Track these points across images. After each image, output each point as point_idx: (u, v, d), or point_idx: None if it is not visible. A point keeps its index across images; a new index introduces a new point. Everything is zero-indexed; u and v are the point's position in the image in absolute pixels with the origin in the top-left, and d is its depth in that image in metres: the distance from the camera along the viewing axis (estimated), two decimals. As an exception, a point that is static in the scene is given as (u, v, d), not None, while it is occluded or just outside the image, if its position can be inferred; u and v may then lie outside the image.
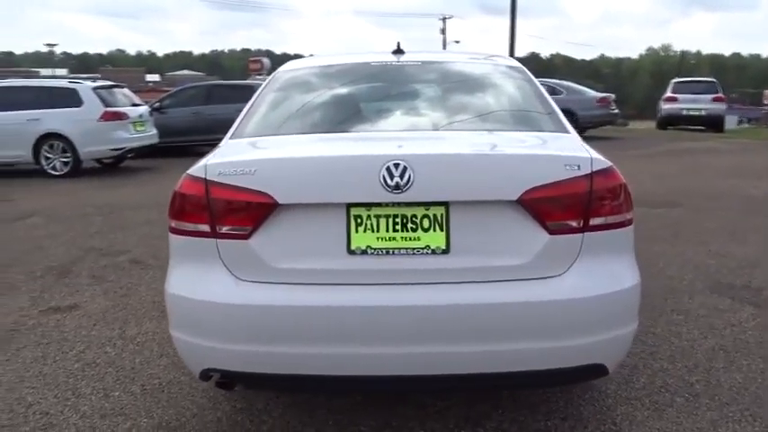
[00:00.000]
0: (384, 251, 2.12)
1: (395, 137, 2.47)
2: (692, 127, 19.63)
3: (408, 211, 2.12)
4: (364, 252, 2.12)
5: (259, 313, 2.11)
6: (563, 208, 2.12)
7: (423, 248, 2.12)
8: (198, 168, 2.23)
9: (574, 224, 2.14)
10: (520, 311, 2.08)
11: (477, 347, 2.08)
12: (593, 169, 2.15)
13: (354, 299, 2.08)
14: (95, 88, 11.11)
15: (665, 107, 19.67)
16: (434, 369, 2.12)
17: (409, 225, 2.13)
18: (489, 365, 2.11)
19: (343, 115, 2.78)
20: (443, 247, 2.12)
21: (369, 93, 2.97)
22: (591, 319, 2.13)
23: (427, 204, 2.12)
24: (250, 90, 14.25)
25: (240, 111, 2.86)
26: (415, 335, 2.07)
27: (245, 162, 2.20)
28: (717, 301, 4.15)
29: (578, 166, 2.14)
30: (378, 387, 2.28)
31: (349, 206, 2.12)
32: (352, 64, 3.22)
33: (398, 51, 3.22)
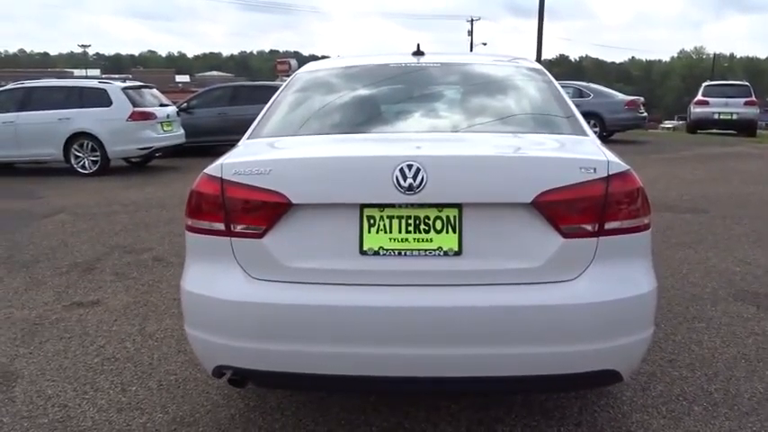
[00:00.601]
0: (396, 252, 2.12)
1: (410, 138, 2.47)
2: (724, 131, 19.27)
3: (421, 213, 2.13)
4: (376, 253, 2.12)
5: (271, 311, 2.13)
6: (578, 211, 2.10)
7: (435, 250, 2.12)
8: (214, 167, 2.26)
9: (588, 228, 2.11)
10: (532, 315, 2.07)
11: (488, 350, 2.07)
12: (610, 172, 2.13)
13: (366, 299, 2.09)
14: (125, 89, 11.31)
15: (696, 110, 19.33)
16: (445, 371, 2.12)
17: (422, 226, 2.13)
18: (500, 369, 2.10)
19: (361, 116, 2.79)
20: (456, 249, 2.11)
21: (387, 94, 2.97)
22: (604, 324, 2.10)
23: (440, 206, 2.12)
24: (275, 91, 14.40)
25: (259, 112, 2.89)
26: (426, 336, 2.07)
27: (261, 162, 2.22)
28: (740, 308, 4.06)
29: (594, 169, 2.12)
30: (388, 388, 2.28)
31: (362, 207, 2.13)
32: (372, 65, 3.23)
33: (418, 53, 3.22)
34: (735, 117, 18.79)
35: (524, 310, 2.06)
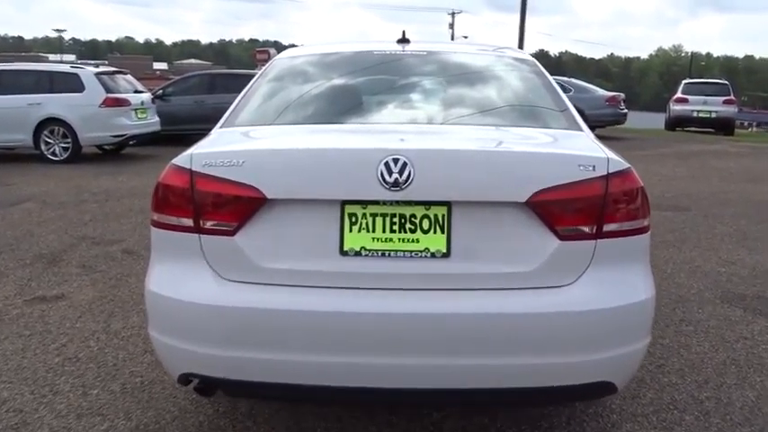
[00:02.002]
0: (380, 253, 1.96)
1: (396, 130, 2.31)
2: (702, 129, 19.40)
3: (407, 211, 1.97)
4: (358, 253, 1.96)
5: (243, 316, 1.96)
6: (575, 212, 1.96)
7: (422, 251, 1.96)
8: (183, 158, 2.07)
9: (586, 230, 1.97)
10: (525, 323, 1.92)
11: (476, 360, 1.92)
12: (610, 171, 1.99)
13: (346, 304, 1.93)
14: (98, 74, 10.96)
15: (675, 108, 19.42)
16: (430, 382, 1.97)
17: (407, 226, 1.97)
18: (490, 380, 1.96)
19: (342, 106, 2.62)
20: (444, 251, 1.96)
21: (370, 83, 2.80)
22: (601, 333, 1.97)
23: (427, 204, 1.96)
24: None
25: None
26: (410, 345, 1.92)
27: (233, 152, 2.04)
28: (728, 311, 3.98)
29: (593, 167, 1.97)
30: (368, 399, 2.13)
31: (343, 203, 1.97)
32: (355, 53, 3.05)
33: (403, 41, 3.06)
34: (713, 115, 18.92)
35: (517, 317, 1.92)
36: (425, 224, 1.97)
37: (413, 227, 1.97)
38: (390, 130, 2.31)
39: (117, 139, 11.01)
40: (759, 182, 9.38)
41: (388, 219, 1.97)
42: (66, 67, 11.54)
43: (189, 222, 2.03)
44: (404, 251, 1.96)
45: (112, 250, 5.20)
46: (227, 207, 1.99)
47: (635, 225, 2.04)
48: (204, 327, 1.98)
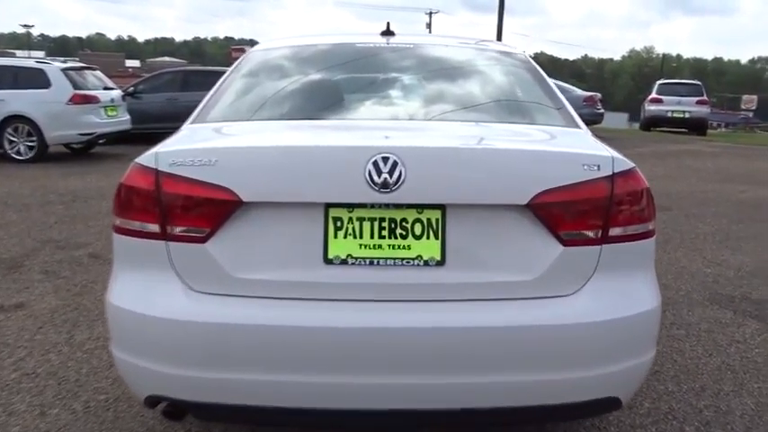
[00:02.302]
0: (368, 261, 1.78)
1: (383, 127, 2.13)
2: (676, 129, 19.56)
3: (398, 215, 1.79)
4: (344, 262, 1.78)
5: (215, 332, 1.76)
6: (579, 215, 1.81)
7: (414, 259, 1.79)
8: (148, 156, 1.87)
9: (591, 234, 1.82)
10: (526, 336, 1.76)
11: (475, 378, 1.76)
12: (615, 170, 1.84)
13: (330, 318, 1.75)
14: (65, 69, 10.58)
15: (650, 108, 19.55)
16: (423, 403, 1.80)
17: (398, 231, 1.79)
18: (489, 399, 1.79)
19: (323, 101, 2.43)
20: (438, 258, 1.79)
21: (352, 77, 2.61)
22: (607, 346, 1.82)
23: (420, 207, 1.79)
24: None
25: None
26: (401, 362, 1.74)
27: (204, 150, 1.85)
28: (717, 313, 3.89)
29: (598, 167, 1.82)
30: (356, 422, 1.95)
31: (327, 207, 1.79)
32: (335, 45, 2.87)
33: (388, 33, 2.88)
34: (687, 116, 19.08)
35: (517, 330, 1.76)
36: (417, 229, 1.80)
37: (404, 232, 1.79)
38: (377, 127, 2.13)
39: (85, 137, 10.64)
40: (735, 181, 9.40)
41: (376, 223, 1.79)
42: (31, 62, 11.14)
43: (155, 228, 1.83)
44: (394, 259, 1.79)
45: (78, 255, 4.94)
46: (198, 211, 1.80)
47: (641, 229, 1.90)
48: (172, 345, 1.79)
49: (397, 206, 1.78)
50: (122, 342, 1.90)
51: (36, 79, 10.22)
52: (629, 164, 1.90)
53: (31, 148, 10.24)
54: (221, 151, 1.85)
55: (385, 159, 1.73)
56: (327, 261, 1.78)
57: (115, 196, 1.92)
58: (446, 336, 1.74)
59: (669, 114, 19.15)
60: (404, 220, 1.80)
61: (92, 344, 3.29)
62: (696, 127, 19.30)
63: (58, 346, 3.26)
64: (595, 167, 1.82)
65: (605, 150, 1.92)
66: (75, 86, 10.34)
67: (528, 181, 1.78)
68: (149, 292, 1.84)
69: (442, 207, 1.79)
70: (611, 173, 1.83)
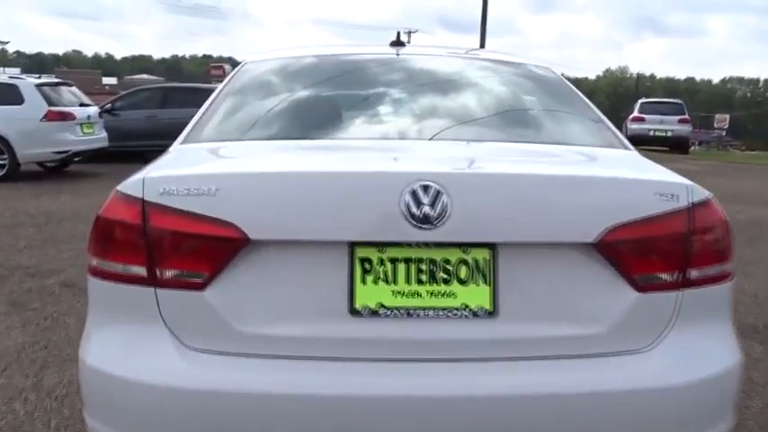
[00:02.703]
0: (403, 312, 1.46)
1: (414, 148, 1.83)
2: (658, 148, 19.59)
3: (439, 255, 1.48)
4: (374, 313, 1.46)
5: (216, 401, 1.42)
6: (656, 254, 1.52)
7: (459, 309, 1.47)
8: (132, 184, 1.54)
9: (668, 277, 1.53)
10: (595, 402, 1.45)
11: None
12: (692, 200, 1.55)
13: (358, 384, 1.42)
14: (39, 85, 10.16)
15: (633, 126, 19.54)
16: None
17: (440, 274, 1.48)
18: None
19: (337, 118, 2.11)
20: (488, 308, 1.48)
21: (368, 91, 2.28)
22: (688, 412, 1.52)
23: (466, 245, 1.48)
24: (210, 94, 13.38)
25: None
26: None
27: (202, 177, 1.52)
28: (746, 346, 3.58)
29: (674, 196, 1.53)
30: None
31: (353, 246, 1.47)
32: (342, 56, 2.56)
33: (398, 43, 2.59)
34: (669, 134, 19.11)
35: (586, 397, 1.45)
36: (463, 272, 1.48)
37: (447, 276, 1.48)
38: (409, 149, 1.82)
39: (60, 155, 10.20)
40: (728, 201, 9.25)
41: (413, 266, 1.48)
42: (3, 78, 10.69)
43: (141, 271, 1.50)
44: (435, 309, 1.47)
45: (49, 283, 4.53)
46: (195, 251, 1.47)
47: (720, 270, 1.61)
48: (162, 416, 1.45)
49: (439, 245, 1.47)
50: (99, 411, 1.55)
51: (8, 95, 9.79)
52: (704, 192, 1.61)
53: (2, 166, 9.76)
54: (223, 178, 1.52)
55: (425, 188, 1.42)
56: (354, 312, 1.46)
57: (92, 231, 1.59)
58: (500, 404, 1.43)
59: (651, 133, 19.16)
60: (446, 261, 1.48)
61: (63, 389, 2.90)
62: (678, 145, 19.35)
63: (25, 393, 2.87)
64: (671, 197, 1.53)
65: (678, 176, 1.64)
66: (50, 103, 9.93)
67: (596, 214, 1.48)
68: (134, 350, 1.50)
69: (492, 246, 1.48)
70: (688, 203, 1.55)
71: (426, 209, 1.42)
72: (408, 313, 1.47)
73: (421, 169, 1.48)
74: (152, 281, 1.49)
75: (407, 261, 1.48)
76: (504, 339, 1.47)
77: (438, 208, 1.42)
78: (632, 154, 1.92)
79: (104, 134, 11.08)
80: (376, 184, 1.47)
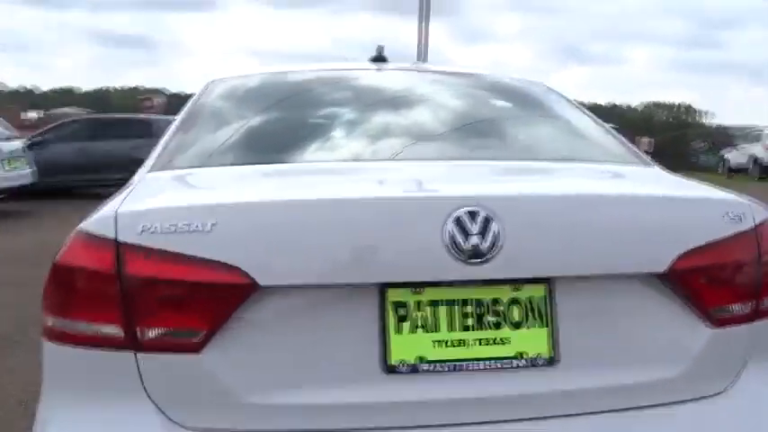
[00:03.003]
0: (449, 366, 1.21)
1: (442, 169, 1.58)
2: None
3: (487, 294, 1.24)
4: (414, 369, 1.20)
5: None
6: (729, 283, 1.33)
7: (514, 358, 1.23)
8: (100, 222, 1.23)
9: (741, 308, 1.33)
10: None
11: None
12: (756, 221, 1.37)
13: None
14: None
15: None
16: None
17: (489, 318, 1.23)
18: None
19: (334, 138, 1.83)
20: (548, 355, 1.24)
21: (366, 110, 2.00)
22: None
23: (518, 282, 1.24)
24: (146, 125, 12.84)
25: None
26: None
27: (194, 209, 1.22)
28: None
29: (740, 217, 1.35)
30: None
31: (384, 288, 1.21)
32: (321, 72, 2.31)
33: (380, 59, 2.36)
34: None
35: None
36: (516, 313, 1.24)
37: (497, 319, 1.24)
38: (435, 171, 1.57)
39: (-19, 193, 9.43)
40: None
41: (457, 308, 1.23)
42: None
43: (116, 332, 1.18)
44: (487, 360, 1.22)
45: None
46: (187, 303, 1.18)
47: None
48: None
49: (487, 282, 1.23)
50: None
51: None
52: (765, 212, 1.44)
53: None
54: (221, 210, 1.22)
55: (472, 215, 1.18)
56: (389, 369, 1.19)
57: (47, 285, 1.26)
58: None
59: None
60: (495, 301, 1.24)
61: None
62: None
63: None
64: (738, 218, 1.35)
65: (734, 195, 1.46)
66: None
67: (665, 240, 1.28)
68: None
69: (546, 281, 1.25)
70: (753, 224, 1.36)
71: (475, 240, 1.17)
72: (455, 367, 1.21)
73: (464, 193, 1.24)
74: (131, 343, 1.18)
75: (450, 303, 1.23)
76: (568, 392, 1.24)
77: (489, 238, 1.18)
78: (663, 171, 1.74)
79: (32, 169, 10.35)
80: (411, 212, 1.22)
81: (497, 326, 1.24)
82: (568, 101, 2.20)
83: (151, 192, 1.43)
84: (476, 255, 1.17)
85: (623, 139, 1.97)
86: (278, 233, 1.19)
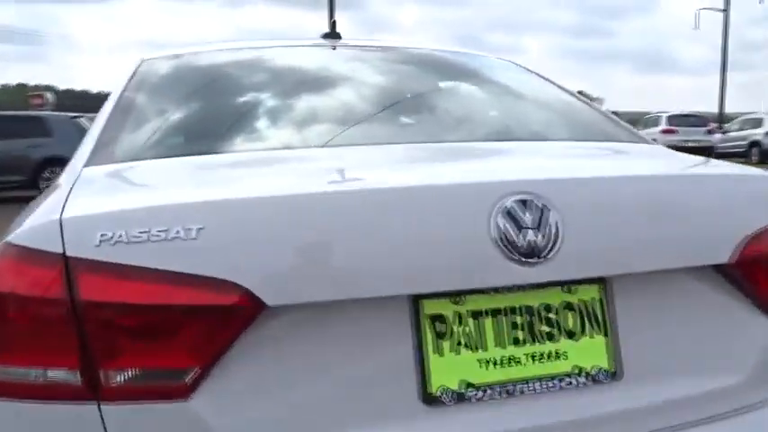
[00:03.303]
0: (501, 390, 0.99)
1: (469, 150, 1.35)
2: None
3: (536, 299, 1.03)
4: (460, 396, 0.98)
5: None
6: None
7: (572, 374, 1.03)
8: (38, 231, 0.92)
9: None
10: None
11: None
12: None
13: None
14: None
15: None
16: None
17: (541, 327, 1.03)
18: None
19: (316, 119, 1.55)
20: (610, 368, 1.05)
21: (343, 85, 1.73)
22: None
23: (570, 283, 1.04)
24: (39, 122, 11.74)
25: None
26: None
27: (171, 210, 0.93)
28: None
29: None
30: None
31: (418, 300, 0.97)
32: (276, 49, 2.02)
33: (332, 35, 2.10)
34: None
35: None
36: (570, 321, 1.05)
37: (550, 329, 1.03)
38: (459, 153, 1.33)
39: None
40: None
41: (504, 320, 1.01)
42: None
43: (69, 378, 0.88)
44: (542, 378, 1.01)
45: None
46: (170, 335, 0.89)
47: None
48: None
49: (538, 286, 1.02)
50: None
51: None
52: None
53: None
54: (210, 209, 0.93)
55: (523, 204, 0.97)
56: (428, 399, 0.96)
57: None
58: None
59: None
60: (546, 307, 1.04)
61: None
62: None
63: None
64: None
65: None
66: None
67: (728, 225, 1.12)
68: None
69: (601, 281, 1.06)
70: None
71: (532, 234, 0.96)
72: (507, 391, 0.99)
73: (511, 176, 1.02)
74: (92, 392, 0.88)
75: (496, 313, 1.01)
76: (636, 409, 1.05)
77: (547, 232, 0.97)
78: (668, 149, 1.60)
79: None
80: (447, 203, 0.98)
81: (551, 337, 1.03)
82: (549, 80, 2.03)
83: (100, 190, 1.11)
84: (533, 253, 0.96)
85: (610, 114, 1.83)
86: (284, 236, 0.93)
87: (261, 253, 0.91)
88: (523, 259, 0.96)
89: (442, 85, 1.84)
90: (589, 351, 1.04)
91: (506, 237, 0.96)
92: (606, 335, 1.05)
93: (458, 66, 1.97)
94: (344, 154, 1.28)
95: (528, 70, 2.05)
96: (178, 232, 0.88)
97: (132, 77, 1.71)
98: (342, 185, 1.05)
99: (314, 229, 0.94)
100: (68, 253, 0.88)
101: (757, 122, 19.45)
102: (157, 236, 0.88)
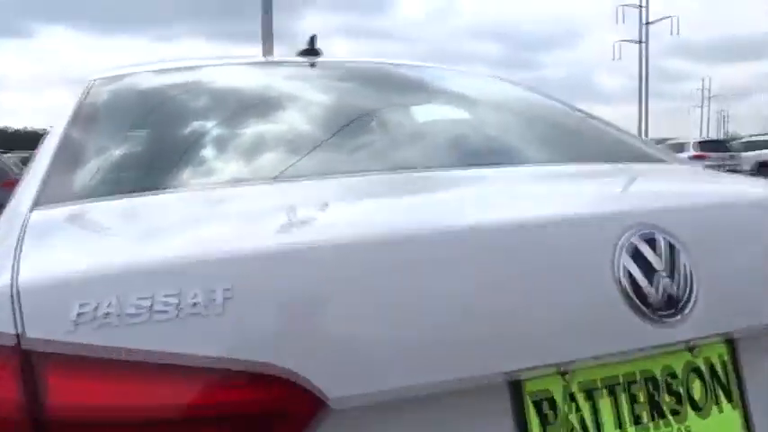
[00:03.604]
0: None
1: (546, 176, 1.10)
2: None
3: (656, 364, 0.80)
4: None
5: None
6: None
7: None
8: None
9: None
10: None
11: None
12: None
13: None
14: None
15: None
16: None
17: (666, 399, 0.80)
18: None
19: (328, 145, 1.25)
20: None
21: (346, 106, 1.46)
22: None
23: (695, 341, 0.82)
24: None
25: None
26: None
27: (182, 267, 0.64)
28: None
29: None
30: None
31: (518, 386, 0.72)
32: (255, 64, 1.76)
33: (311, 52, 1.83)
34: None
35: None
36: (696, 389, 0.82)
37: (675, 401, 0.80)
38: (535, 180, 1.07)
39: None
40: None
41: (622, 394, 0.78)
42: None
43: None
44: None
45: None
46: None
47: None
48: None
49: (661, 348, 0.79)
50: None
51: None
52: None
53: None
54: (239, 266, 0.65)
55: (651, 242, 0.75)
56: None
57: None
58: None
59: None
60: (670, 373, 0.81)
61: None
62: None
63: None
64: None
65: None
66: None
67: None
68: None
69: (728, 339, 0.84)
70: None
71: (666, 282, 0.73)
72: None
73: (629, 206, 0.80)
74: None
75: (612, 387, 0.77)
76: None
77: (678, 277, 0.75)
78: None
79: None
80: (556, 243, 0.74)
81: (675, 413, 0.80)
82: (551, 97, 1.84)
83: (63, 240, 0.80)
84: (668, 305, 0.74)
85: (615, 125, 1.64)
86: (343, 304, 0.66)
87: (315, 329, 0.64)
88: (658, 315, 0.73)
89: (478, 105, 1.61)
90: (720, 428, 0.82)
91: (636, 284, 0.72)
92: (737, 405, 0.83)
93: (476, 86, 1.74)
94: (368, 187, 1.00)
95: (516, 84, 1.86)
96: (196, 301, 0.60)
97: (84, 100, 1.39)
98: (399, 229, 0.76)
99: (379, 291, 0.67)
100: (28, 337, 0.58)
101: (680, 147, 20.42)
102: (164, 306, 0.60)
